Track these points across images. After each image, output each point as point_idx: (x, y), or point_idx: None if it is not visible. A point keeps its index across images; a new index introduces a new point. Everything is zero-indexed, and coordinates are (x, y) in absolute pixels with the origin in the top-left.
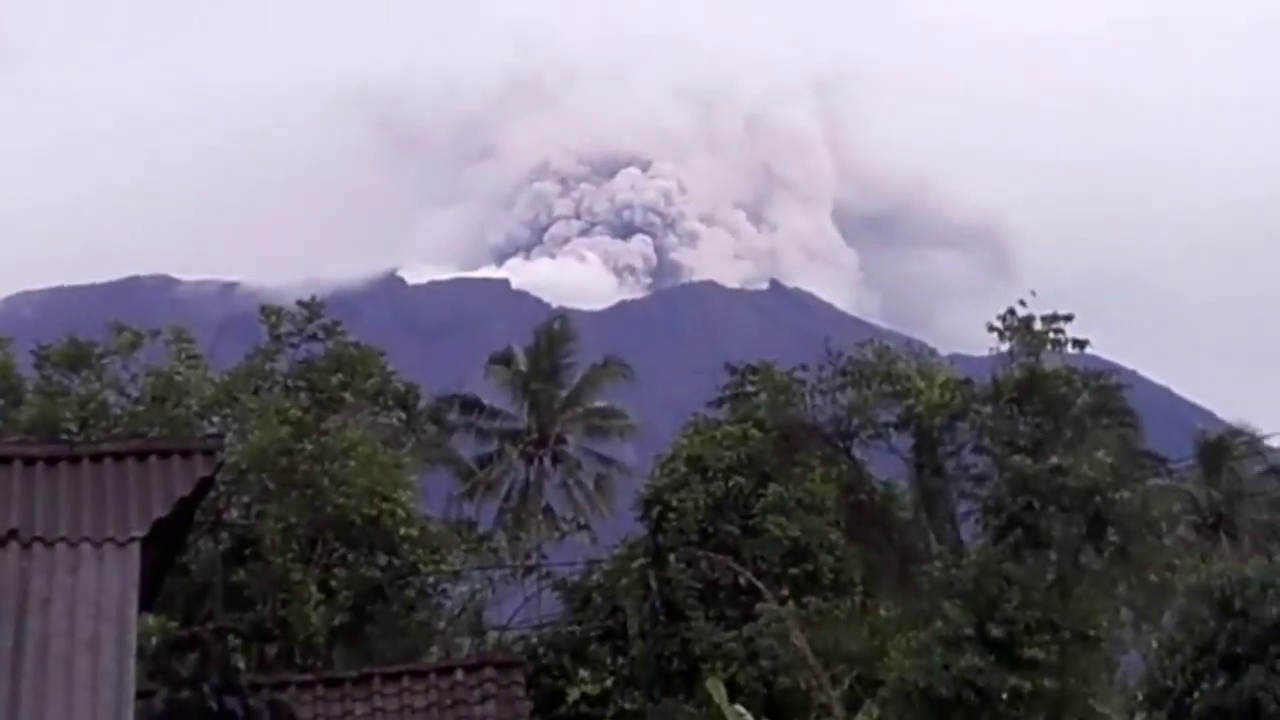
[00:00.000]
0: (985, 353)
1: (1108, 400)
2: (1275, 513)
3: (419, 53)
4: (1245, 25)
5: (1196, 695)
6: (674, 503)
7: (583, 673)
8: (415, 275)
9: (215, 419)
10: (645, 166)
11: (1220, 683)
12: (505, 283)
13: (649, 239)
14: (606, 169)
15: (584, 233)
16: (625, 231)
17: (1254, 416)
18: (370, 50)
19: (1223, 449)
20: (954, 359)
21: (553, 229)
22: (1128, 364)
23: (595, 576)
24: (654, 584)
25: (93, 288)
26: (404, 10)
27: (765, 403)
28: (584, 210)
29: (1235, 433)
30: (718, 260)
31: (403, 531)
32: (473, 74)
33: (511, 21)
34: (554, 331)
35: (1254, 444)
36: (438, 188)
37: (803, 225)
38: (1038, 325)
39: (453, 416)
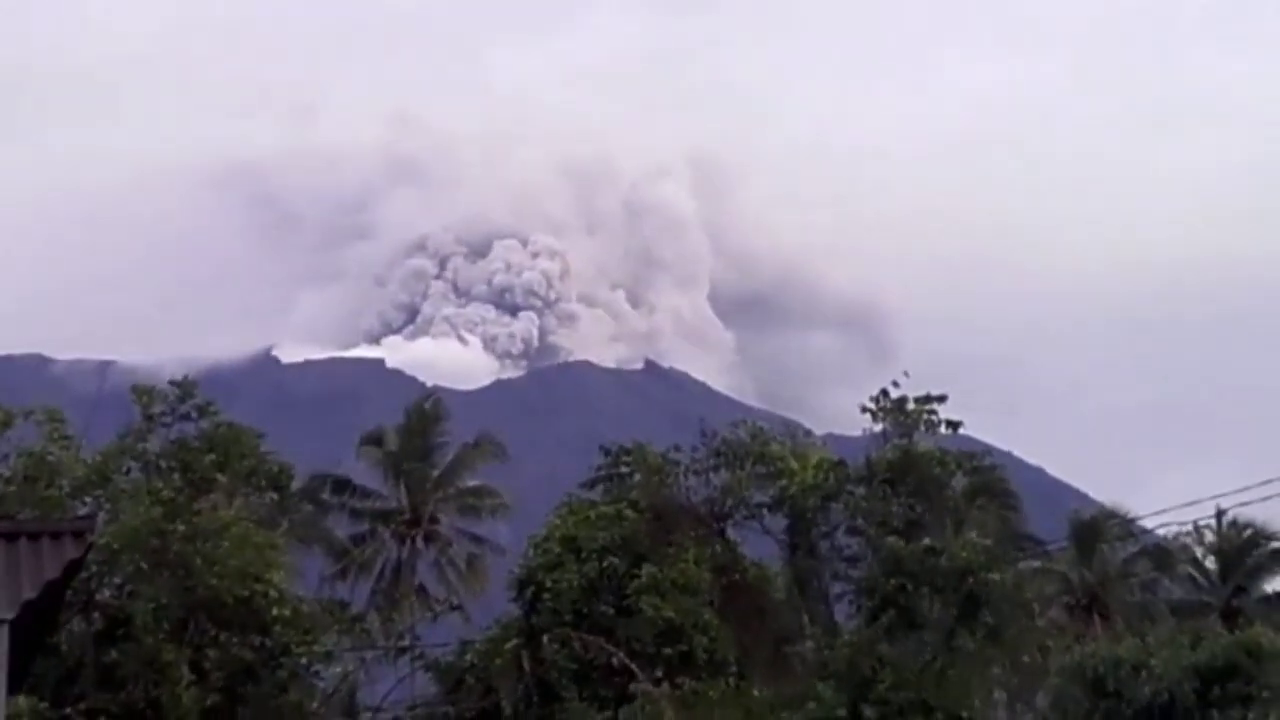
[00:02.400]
0: (860, 433)
1: (986, 481)
2: (1147, 594)
3: (296, 133)
4: (1116, 109)
5: None
6: (548, 583)
7: None
8: (290, 354)
9: (87, 499)
10: (524, 241)
11: None
12: (380, 362)
13: (534, 316)
14: (483, 248)
15: (459, 310)
16: (505, 309)
17: (1127, 498)
18: (247, 131)
19: (1096, 530)
20: (828, 439)
21: (428, 307)
22: (1001, 445)
23: (469, 657)
24: (528, 665)
25: None
26: (281, 90)
27: (639, 483)
28: (461, 286)
29: (1109, 514)
30: (595, 342)
31: (275, 612)
32: (349, 154)
33: (387, 101)
34: (426, 410)
35: (1126, 525)
36: (314, 267)
37: (679, 306)
38: (911, 406)
39: (326, 496)
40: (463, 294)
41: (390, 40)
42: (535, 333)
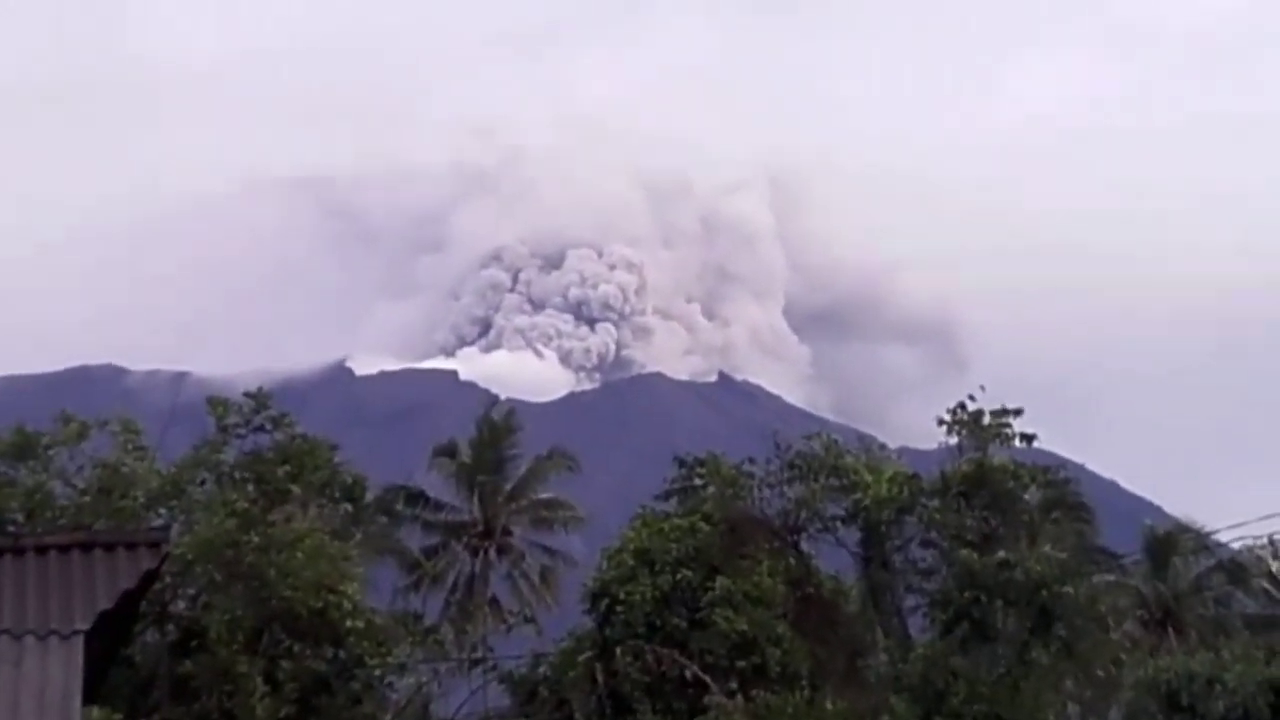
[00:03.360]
0: (934, 447)
1: (1060, 494)
2: (1221, 608)
3: (374, 146)
4: (1194, 118)
5: None
6: (621, 595)
7: None
8: (364, 366)
9: (162, 510)
10: (599, 252)
11: None
12: (454, 374)
13: (611, 328)
14: (558, 260)
15: (534, 321)
16: (582, 320)
17: (1200, 512)
18: (325, 144)
19: (1170, 544)
20: (903, 453)
21: (501, 319)
22: (1075, 458)
23: (542, 669)
24: (601, 677)
25: (40, 377)
26: (359, 104)
27: (713, 495)
28: (535, 298)
29: (1183, 528)
30: (670, 355)
31: (349, 624)
32: (425, 167)
33: (464, 114)
34: (499, 423)
35: (1201, 539)
36: (389, 279)
37: (754, 319)
38: (986, 420)
39: (399, 508)
40: (537, 305)
41: (467, 54)
42: (612, 346)
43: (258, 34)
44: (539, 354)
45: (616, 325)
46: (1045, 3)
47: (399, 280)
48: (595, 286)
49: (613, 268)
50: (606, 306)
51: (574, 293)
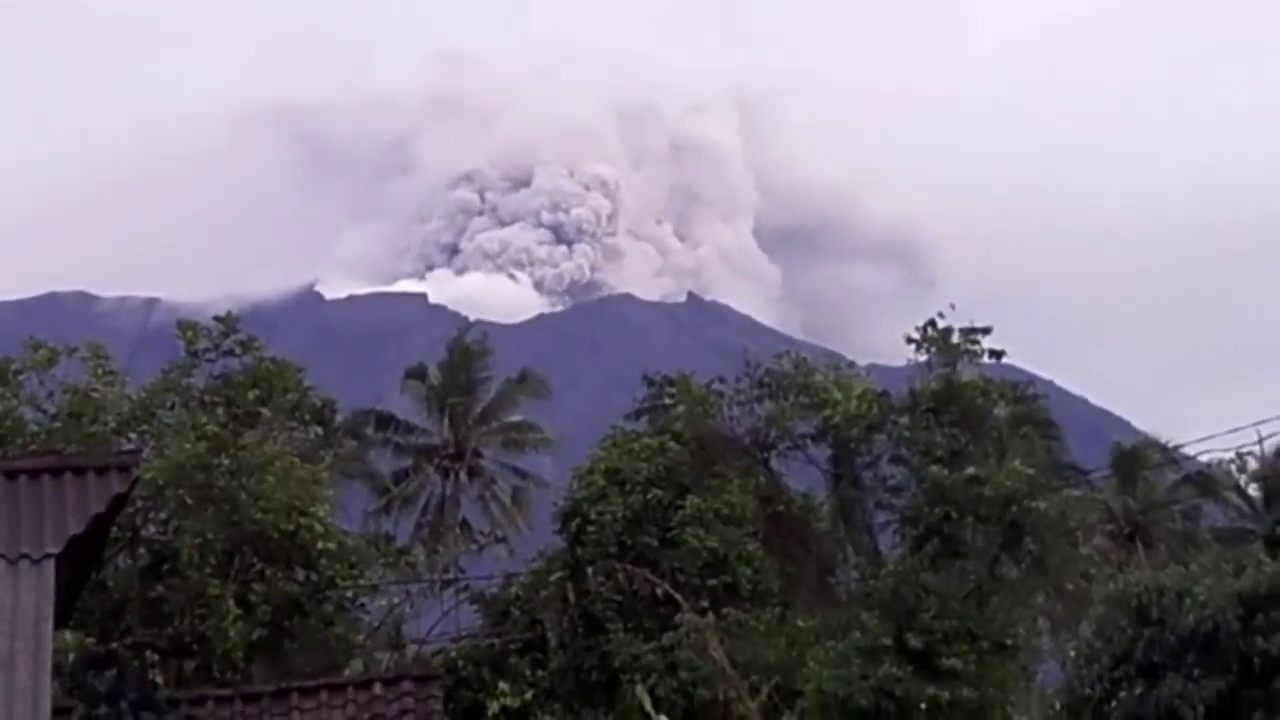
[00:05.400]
0: (903, 364)
1: (1028, 410)
2: (1189, 521)
3: (342, 73)
4: (1165, 48)
5: (1114, 704)
6: (592, 515)
7: (502, 685)
8: (334, 290)
9: (132, 435)
10: (571, 171)
11: (1138, 691)
12: (423, 296)
13: (587, 250)
14: (528, 182)
15: (503, 238)
16: (557, 241)
17: (1169, 427)
18: (292, 72)
19: (1137, 459)
20: (872, 370)
21: (471, 241)
22: (1044, 374)
23: (514, 590)
24: (573, 596)
25: (9, 304)
26: (326, 31)
27: (683, 414)
28: (504, 217)
29: (1150, 443)
30: (640, 277)
31: (320, 546)
32: (394, 92)
33: (433, 40)
34: (469, 345)
35: (1168, 453)
36: (358, 203)
37: (724, 240)
38: (955, 338)
39: (370, 431)
40: (507, 224)
41: None
42: (586, 268)
43: None
44: (512, 277)
45: (591, 246)
46: None
47: (367, 204)
48: (568, 210)
49: (587, 188)
50: (579, 229)
51: (546, 216)
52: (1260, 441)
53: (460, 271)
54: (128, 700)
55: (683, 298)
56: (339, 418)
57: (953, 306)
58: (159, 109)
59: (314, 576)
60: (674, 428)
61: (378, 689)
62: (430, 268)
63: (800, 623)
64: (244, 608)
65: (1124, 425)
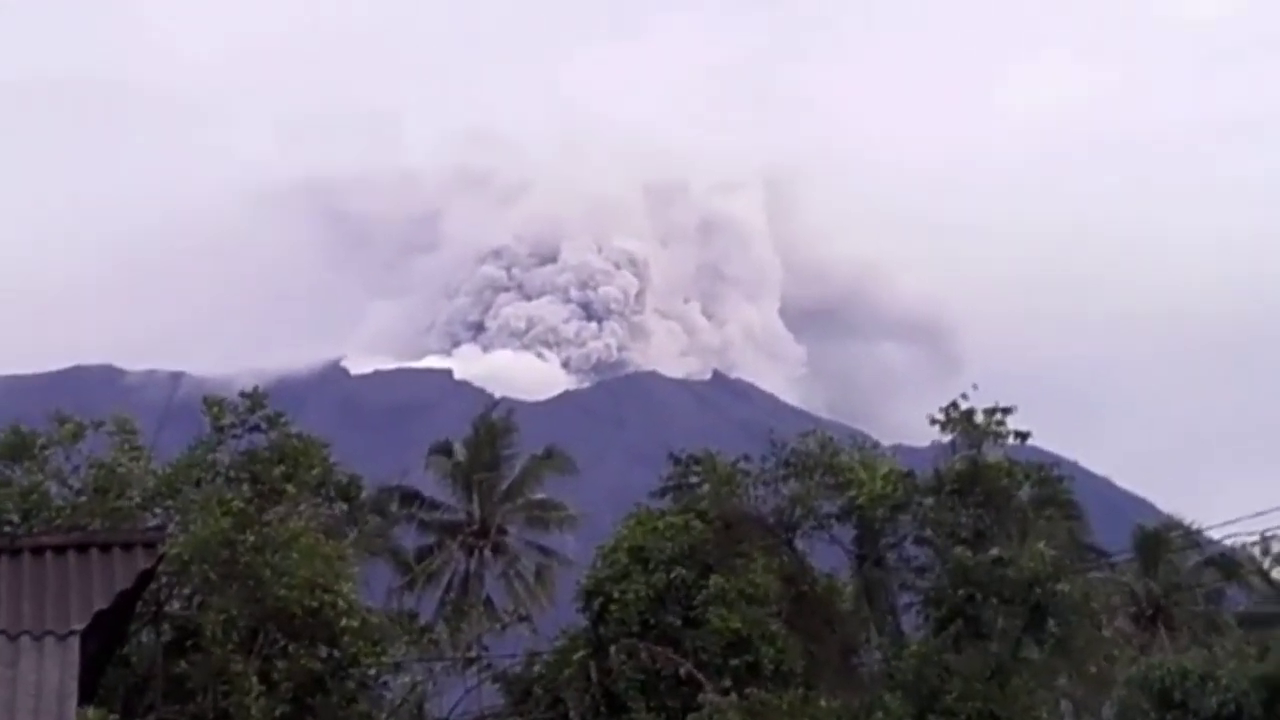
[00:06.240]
0: (927, 444)
1: (1050, 492)
2: (1212, 605)
3: (370, 149)
4: (1194, 123)
5: None
6: (615, 594)
7: None
8: (359, 365)
9: (158, 510)
10: (600, 248)
11: None
12: (448, 373)
13: (615, 328)
14: (555, 258)
15: (531, 315)
16: (583, 315)
17: (1193, 509)
18: (321, 148)
19: (1160, 541)
20: (897, 450)
21: (497, 317)
22: (1068, 454)
23: (536, 668)
24: (595, 675)
25: (36, 377)
26: (355, 108)
27: (708, 493)
28: (530, 292)
29: (1172, 525)
30: (667, 355)
31: (344, 623)
32: (422, 168)
33: (461, 116)
34: (495, 422)
35: (1191, 536)
36: (384, 280)
37: (750, 319)
38: (979, 418)
39: (394, 508)
40: (534, 300)
41: (461, 55)
42: (614, 346)
43: (253, 38)
44: (539, 355)
45: (618, 324)
46: (1043, 5)
47: (394, 280)
48: (596, 288)
49: (616, 266)
50: (607, 307)
51: (574, 293)
52: None
53: (486, 348)
54: None
55: (708, 376)
56: (364, 494)
57: (975, 387)
58: (187, 184)
59: (337, 653)
60: (699, 506)
61: None
62: (456, 344)
63: (823, 703)
64: (267, 684)
65: (1147, 506)
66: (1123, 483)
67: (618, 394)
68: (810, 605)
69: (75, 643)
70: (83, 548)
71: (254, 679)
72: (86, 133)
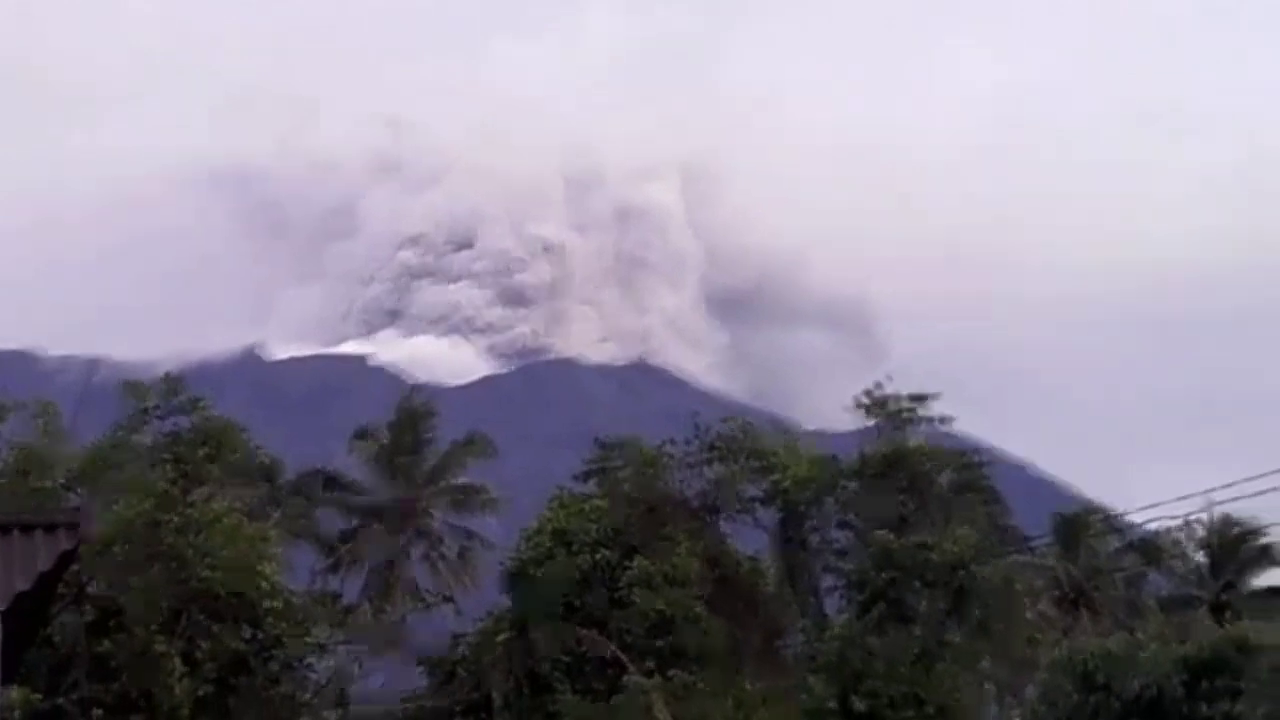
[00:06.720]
0: (850, 430)
1: (971, 477)
2: (1134, 588)
3: (286, 138)
4: (1111, 108)
5: None
6: (539, 575)
7: None
8: (277, 352)
9: (80, 491)
10: (519, 234)
11: None
12: (364, 359)
13: (530, 314)
14: (472, 244)
15: (450, 300)
16: (502, 301)
17: (1114, 495)
18: (237, 136)
19: (1080, 525)
20: (819, 435)
21: (415, 302)
22: (988, 439)
23: (460, 649)
24: (519, 657)
25: None
26: (271, 97)
27: (631, 476)
28: (449, 276)
29: (1091, 510)
30: (587, 341)
31: (267, 604)
32: (338, 156)
33: (377, 103)
34: (416, 407)
35: (1110, 521)
36: (301, 266)
37: (670, 305)
38: (900, 405)
39: (317, 491)
40: (451, 285)
41: (381, 43)
42: (532, 332)
43: (171, 22)
44: (459, 341)
45: (537, 311)
46: None
47: (310, 267)
48: (514, 274)
49: (532, 255)
50: (526, 295)
51: (493, 280)
52: (1210, 509)
53: (405, 334)
54: None
55: (629, 362)
56: (285, 478)
57: (890, 378)
58: (102, 169)
59: (260, 634)
60: (622, 490)
61: None
62: (374, 330)
63: (747, 685)
64: (190, 665)
65: (1068, 493)
66: (1044, 466)
67: (538, 380)
68: (734, 588)
69: None
70: (4, 529)
71: (177, 659)
72: (3, 119)
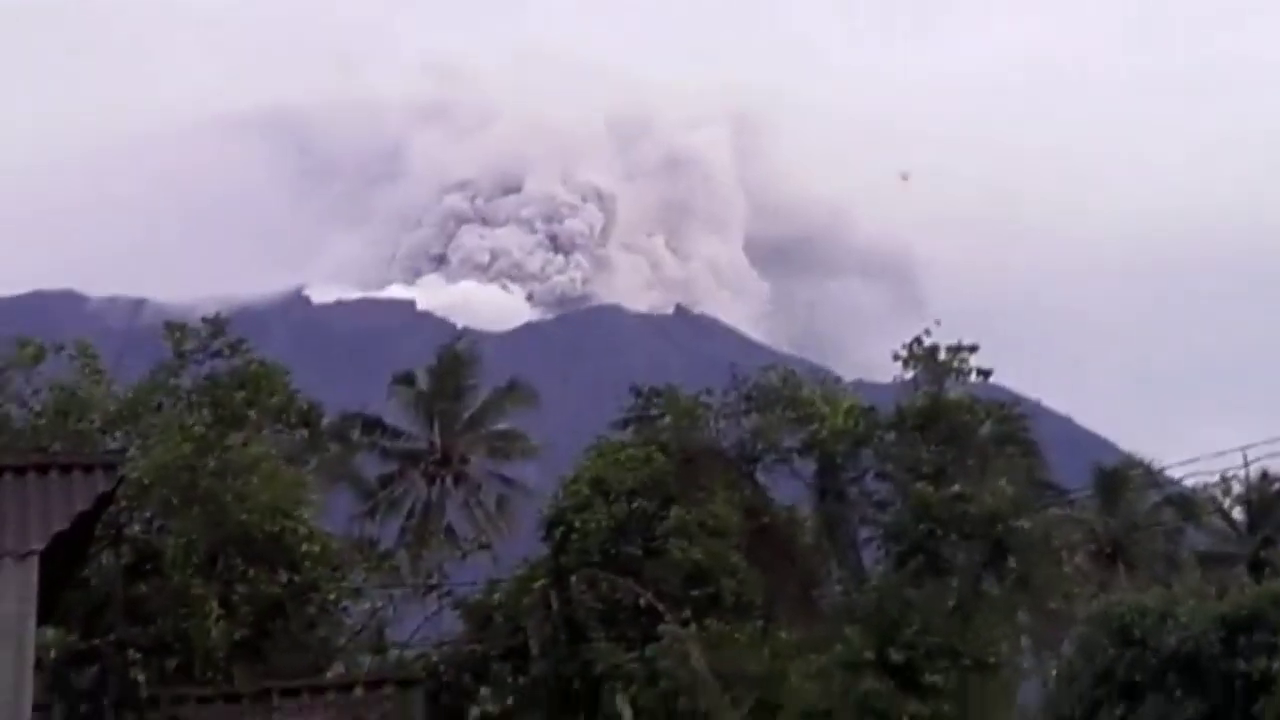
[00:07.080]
0: (890, 381)
1: (1011, 430)
2: (1172, 544)
3: (333, 81)
4: (1159, 67)
5: None
6: (576, 524)
7: (484, 691)
8: (322, 295)
9: (118, 434)
10: (565, 181)
11: (1119, 711)
12: (411, 303)
13: (582, 260)
14: (519, 189)
15: (495, 247)
16: (551, 250)
17: (1155, 449)
18: (285, 79)
19: (1120, 480)
20: (859, 386)
21: (461, 248)
22: (1030, 393)
23: (497, 596)
24: (555, 604)
25: None
26: (319, 40)
27: (669, 426)
28: (495, 223)
29: (1132, 463)
30: (631, 289)
31: (304, 548)
32: (387, 101)
33: (427, 49)
34: (458, 353)
35: (1150, 475)
36: (347, 210)
37: (715, 254)
38: (942, 355)
39: (356, 435)
40: (498, 230)
41: None
42: (578, 279)
43: None
44: (503, 287)
45: (582, 257)
46: None
47: (357, 211)
48: (561, 221)
49: (582, 199)
50: (573, 241)
51: (539, 225)
52: (1246, 465)
53: (450, 279)
54: (109, 698)
55: (671, 310)
56: (325, 421)
57: (938, 323)
58: (149, 110)
59: (297, 579)
60: (660, 438)
61: (359, 692)
62: (419, 275)
63: (783, 635)
64: (226, 608)
65: (1108, 446)
66: (1083, 421)
67: (581, 327)
68: (771, 538)
69: (34, 563)
70: (42, 469)
71: (214, 603)
72: (48, 56)
